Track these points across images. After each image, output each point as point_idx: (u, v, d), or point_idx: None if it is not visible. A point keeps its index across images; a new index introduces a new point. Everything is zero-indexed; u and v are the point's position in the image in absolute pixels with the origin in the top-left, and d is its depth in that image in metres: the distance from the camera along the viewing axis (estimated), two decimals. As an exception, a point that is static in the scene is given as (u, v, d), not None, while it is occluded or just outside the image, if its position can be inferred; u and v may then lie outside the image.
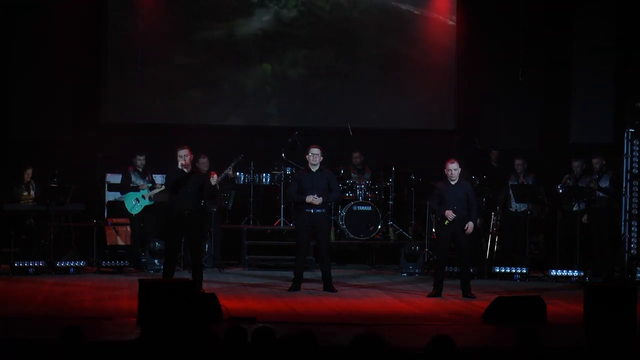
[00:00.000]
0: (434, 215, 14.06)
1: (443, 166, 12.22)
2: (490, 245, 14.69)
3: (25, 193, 14.39)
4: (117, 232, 14.95)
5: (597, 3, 16.39)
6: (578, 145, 15.93)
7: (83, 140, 15.91)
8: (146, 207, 14.71)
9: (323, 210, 12.49)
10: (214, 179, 14.48)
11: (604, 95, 16.36)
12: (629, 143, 13.94)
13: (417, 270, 14.54)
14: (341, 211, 15.26)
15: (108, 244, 14.83)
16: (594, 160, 14.26)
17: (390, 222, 15.65)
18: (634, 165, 13.89)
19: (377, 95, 16.80)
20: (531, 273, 14.09)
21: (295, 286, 12.41)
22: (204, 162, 14.93)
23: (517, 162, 14.85)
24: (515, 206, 14.74)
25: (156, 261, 14.29)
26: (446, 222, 12.01)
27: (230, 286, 12.81)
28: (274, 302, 11.41)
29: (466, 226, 11.97)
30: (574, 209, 14.17)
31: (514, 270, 14.00)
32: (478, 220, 14.48)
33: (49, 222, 13.87)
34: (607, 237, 14.22)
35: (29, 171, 14.42)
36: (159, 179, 14.75)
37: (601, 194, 14.08)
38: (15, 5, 15.74)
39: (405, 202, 16.08)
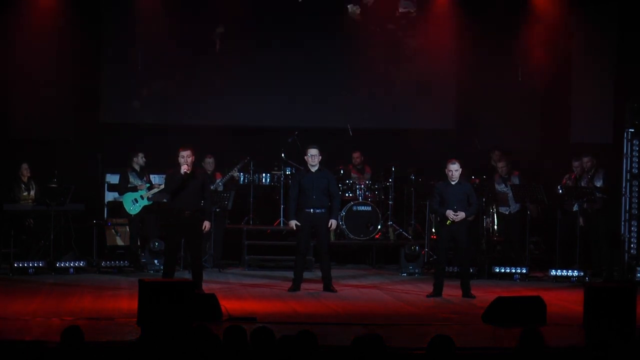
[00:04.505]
0: (434, 215, 14.04)
1: (443, 166, 12.22)
2: (487, 245, 14.68)
3: (25, 193, 14.39)
4: (116, 232, 14.94)
5: (597, 3, 16.37)
6: (578, 145, 15.91)
7: (83, 140, 15.91)
8: (145, 207, 14.70)
9: (323, 210, 12.48)
10: (218, 182, 14.47)
11: (604, 95, 16.33)
12: (629, 143, 13.93)
13: (417, 270, 14.54)
14: (341, 211, 15.25)
15: (108, 244, 14.83)
16: (585, 160, 14.22)
17: (390, 222, 15.64)
18: (633, 165, 13.88)
19: (377, 95, 16.78)
20: (531, 273, 14.09)
21: (295, 286, 12.41)
22: (210, 162, 14.92)
23: (500, 163, 14.85)
24: (510, 207, 14.69)
25: (156, 261, 14.29)
26: (448, 222, 11.99)
27: (230, 286, 12.81)
28: (274, 302, 11.40)
29: (457, 213, 11.96)
30: (574, 209, 14.17)
31: (514, 270, 13.99)
32: (490, 222, 14.50)
33: (49, 222, 13.86)
34: (604, 237, 14.19)
35: (25, 165, 14.41)
36: (157, 179, 14.75)
37: (598, 194, 14.06)
38: (16, 5, 15.73)
39: (405, 202, 16.07)
